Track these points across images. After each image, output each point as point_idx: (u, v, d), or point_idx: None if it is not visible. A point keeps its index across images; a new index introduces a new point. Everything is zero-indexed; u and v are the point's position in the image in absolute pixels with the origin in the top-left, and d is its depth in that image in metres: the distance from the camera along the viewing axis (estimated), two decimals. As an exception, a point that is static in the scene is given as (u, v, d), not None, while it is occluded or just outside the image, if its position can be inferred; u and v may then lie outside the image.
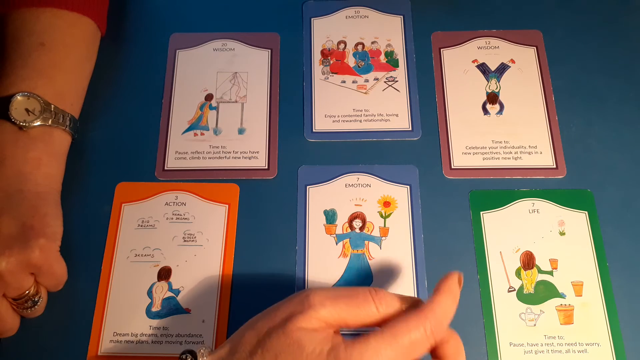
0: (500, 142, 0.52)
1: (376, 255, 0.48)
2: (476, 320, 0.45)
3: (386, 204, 0.49)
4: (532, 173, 0.50)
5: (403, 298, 0.37)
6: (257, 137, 0.52)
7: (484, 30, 0.57)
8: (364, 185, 0.50)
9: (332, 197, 0.50)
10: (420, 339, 0.35)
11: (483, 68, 0.55)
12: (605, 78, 0.54)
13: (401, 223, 0.49)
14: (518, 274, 0.47)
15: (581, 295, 0.46)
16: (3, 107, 0.45)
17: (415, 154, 0.51)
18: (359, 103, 0.54)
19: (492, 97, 0.54)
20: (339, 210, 0.49)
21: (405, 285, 0.47)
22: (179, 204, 0.49)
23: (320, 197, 0.50)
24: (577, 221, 0.48)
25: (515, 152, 0.51)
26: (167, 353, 0.44)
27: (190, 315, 0.46)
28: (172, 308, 0.46)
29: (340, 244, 0.48)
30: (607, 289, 0.46)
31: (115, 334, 0.45)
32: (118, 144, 0.52)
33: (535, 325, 0.45)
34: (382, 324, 0.36)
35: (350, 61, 0.56)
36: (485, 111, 0.53)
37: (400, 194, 0.50)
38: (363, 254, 0.48)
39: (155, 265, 0.47)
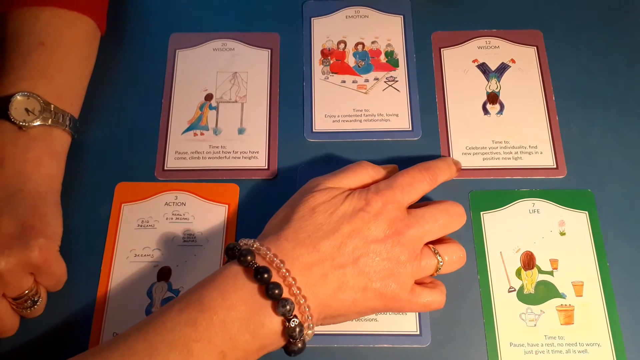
0: (501, 142, 0.52)
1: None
2: (476, 321, 0.45)
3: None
4: (532, 173, 0.50)
5: (385, 166, 0.47)
6: (257, 137, 0.52)
7: (484, 30, 0.57)
8: (364, 185, 0.50)
9: (332, 197, 0.50)
10: (418, 175, 0.43)
11: (483, 68, 0.55)
12: (606, 78, 0.54)
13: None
14: (518, 274, 0.47)
15: (581, 296, 0.46)
16: (3, 107, 0.45)
17: (415, 154, 0.51)
18: (359, 103, 0.54)
19: (493, 97, 0.54)
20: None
21: (406, 286, 0.47)
22: (179, 204, 0.49)
23: (320, 197, 0.50)
24: (578, 221, 0.48)
25: (516, 152, 0.51)
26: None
27: (190, 316, 0.45)
28: (172, 308, 0.46)
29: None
30: (607, 289, 0.46)
31: (115, 334, 0.45)
32: (118, 144, 0.52)
33: (535, 325, 0.45)
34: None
35: (350, 61, 0.56)
36: (486, 111, 0.53)
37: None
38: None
39: (155, 266, 0.47)
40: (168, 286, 0.47)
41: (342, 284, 0.39)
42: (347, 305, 0.39)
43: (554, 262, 0.47)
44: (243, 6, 0.59)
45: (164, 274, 0.47)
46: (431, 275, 0.42)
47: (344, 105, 0.54)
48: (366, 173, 0.44)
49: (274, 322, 0.37)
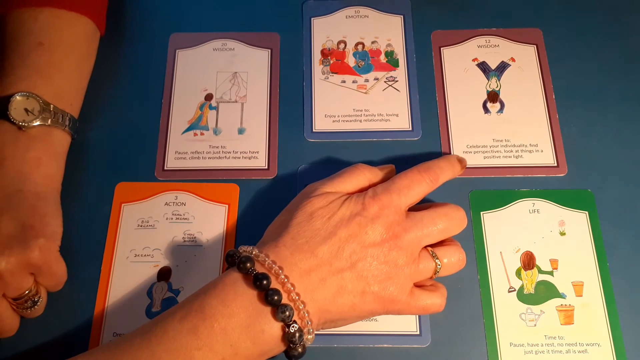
0: (501, 140, 0.52)
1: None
2: (476, 321, 0.45)
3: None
4: (533, 172, 0.50)
5: (382, 167, 0.46)
6: (257, 137, 0.52)
7: (484, 29, 0.57)
8: (364, 185, 0.50)
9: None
10: (417, 177, 0.43)
11: (483, 67, 0.55)
12: (606, 77, 0.54)
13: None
14: (518, 274, 0.47)
15: (581, 296, 0.46)
16: (2, 107, 0.45)
17: (415, 154, 0.51)
18: (359, 103, 0.54)
19: (493, 96, 0.54)
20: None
21: (405, 286, 0.46)
22: (179, 204, 0.49)
23: (320, 197, 0.50)
24: (578, 221, 0.48)
25: (516, 151, 0.51)
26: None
27: (190, 316, 0.45)
28: (172, 308, 0.46)
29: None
30: (607, 289, 0.46)
31: (115, 334, 0.45)
32: (118, 144, 0.52)
33: (535, 325, 0.45)
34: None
35: (350, 61, 0.56)
36: (486, 110, 0.53)
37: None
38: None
39: (155, 266, 0.47)
40: (168, 286, 0.47)
41: (340, 288, 0.39)
42: (346, 310, 0.39)
43: (554, 262, 0.47)
44: (243, 6, 0.59)
45: (164, 274, 0.47)
46: (430, 277, 0.42)
47: (344, 105, 0.54)
48: (363, 176, 0.44)
49: (274, 328, 0.37)
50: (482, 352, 0.44)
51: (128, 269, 0.47)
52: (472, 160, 0.51)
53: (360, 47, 0.56)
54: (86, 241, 0.48)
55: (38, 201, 0.44)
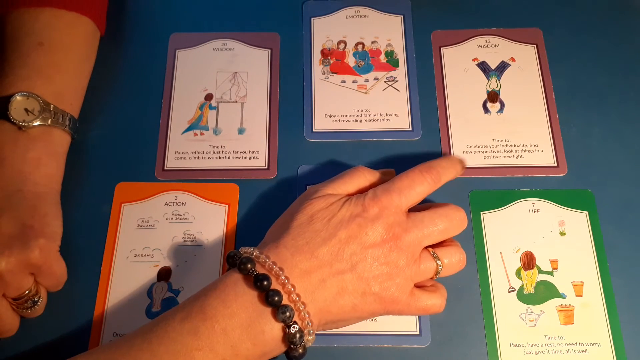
0: (501, 140, 0.52)
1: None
2: (476, 321, 0.45)
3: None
4: (533, 171, 0.50)
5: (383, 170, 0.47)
6: (257, 137, 0.52)
7: (484, 29, 0.57)
8: (364, 185, 0.50)
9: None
10: (418, 177, 0.43)
11: (483, 66, 0.55)
12: (606, 77, 0.54)
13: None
14: (518, 274, 0.47)
15: (581, 296, 0.46)
16: (2, 107, 0.45)
17: (415, 154, 0.51)
18: (359, 103, 0.54)
19: (493, 96, 0.54)
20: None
21: (405, 285, 0.46)
22: (179, 204, 0.49)
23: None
24: (578, 221, 0.48)
25: (516, 151, 0.51)
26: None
27: (190, 316, 0.45)
28: (172, 308, 0.46)
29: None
30: (607, 289, 0.46)
31: (115, 334, 0.45)
32: (118, 144, 0.52)
33: (535, 325, 0.45)
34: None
35: (350, 61, 0.56)
36: (486, 110, 0.53)
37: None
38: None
39: (155, 266, 0.47)
40: (168, 286, 0.47)
41: (341, 289, 0.39)
42: (347, 310, 0.39)
43: (554, 262, 0.47)
44: (243, 6, 0.59)
45: (164, 274, 0.47)
46: (431, 278, 0.42)
47: (344, 105, 0.54)
48: (363, 177, 0.45)
49: (275, 329, 0.37)
50: (482, 352, 0.44)
51: (128, 269, 0.47)
52: (472, 160, 0.51)
53: (360, 47, 0.56)
54: (86, 241, 0.48)
55: (38, 201, 0.44)
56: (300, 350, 0.38)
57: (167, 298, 0.46)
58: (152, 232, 0.48)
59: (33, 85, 0.46)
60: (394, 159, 0.51)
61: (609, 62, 0.55)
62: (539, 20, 0.57)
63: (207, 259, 0.47)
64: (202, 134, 0.52)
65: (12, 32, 0.48)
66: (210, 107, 0.54)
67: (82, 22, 0.51)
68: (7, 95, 0.45)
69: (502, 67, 0.55)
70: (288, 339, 0.37)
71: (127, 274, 0.47)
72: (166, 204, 0.49)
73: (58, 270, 0.44)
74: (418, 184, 0.43)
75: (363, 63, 0.56)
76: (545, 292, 0.46)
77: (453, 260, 0.42)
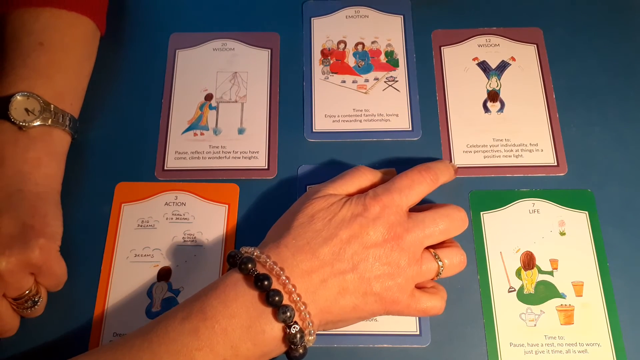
0: (501, 140, 0.52)
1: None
2: (476, 321, 0.45)
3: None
4: (533, 171, 0.50)
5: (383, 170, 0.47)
6: (257, 137, 0.52)
7: (484, 28, 0.57)
8: (364, 185, 0.50)
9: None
10: (417, 177, 0.43)
11: (483, 66, 0.55)
12: (606, 77, 0.54)
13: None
14: (518, 274, 0.47)
15: (581, 296, 0.46)
16: (3, 107, 0.45)
17: (415, 154, 0.51)
18: (359, 103, 0.54)
19: (493, 95, 0.54)
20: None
21: (405, 285, 0.46)
22: (179, 204, 0.49)
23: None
24: (578, 221, 0.48)
25: (517, 150, 0.51)
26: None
27: (190, 316, 0.45)
28: (172, 308, 0.46)
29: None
30: (607, 289, 0.46)
31: (115, 334, 0.45)
32: (118, 144, 0.52)
33: (535, 325, 0.45)
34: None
35: (350, 61, 0.56)
36: (486, 109, 0.53)
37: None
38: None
39: (155, 266, 0.47)
40: (168, 286, 0.47)
41: (342, 289, 0.39)
42: (348, 311, 0.39)
43: (554, 262, 0.47)
44: (243, 6, 0.59)
45: (164, 274, 0.47)
46: (432, 279, 0.42)
47: (344, 105, 0.54)
48: (364, 177, 0.45)
49: (275, 329, 0.37)
50: (482, 352, 0.44)
51: (128, 269, 0.47)
52: (473, 160, 0.51)
53: (360, 47, 0.56)
54: (86, 241, 0.48)
55: (38, 201, 0.44)
56: (301, 351, 0.38)
57: (167, 298, 0.46)
58: (152, 232, 0.48)
59: (33, 85, 0.46)
60: (394, 159, 0.51)
61: (609, 62, 0.55)
62: (540, 19, 0.57)
63: (207, 259, 0.47)
64: (202, 134, 0.52)
65: (12, 32, 0.48)
66: (210, 107, 0.54)
67: (82, 22, 0.51)
68: (8, 95, 0.45)
69: (503, 66, 0.55)
70: (289, 339, 0.37)
71: (127, 274, 0.47)
72: (166, 204, 0.49)
73: (58, 270, 0.45)
74: (418, 184, 0.43)
75: (363, 63, 0.55)
76: (545, 292, 0.46)
77: (454, 261, 0.42)
